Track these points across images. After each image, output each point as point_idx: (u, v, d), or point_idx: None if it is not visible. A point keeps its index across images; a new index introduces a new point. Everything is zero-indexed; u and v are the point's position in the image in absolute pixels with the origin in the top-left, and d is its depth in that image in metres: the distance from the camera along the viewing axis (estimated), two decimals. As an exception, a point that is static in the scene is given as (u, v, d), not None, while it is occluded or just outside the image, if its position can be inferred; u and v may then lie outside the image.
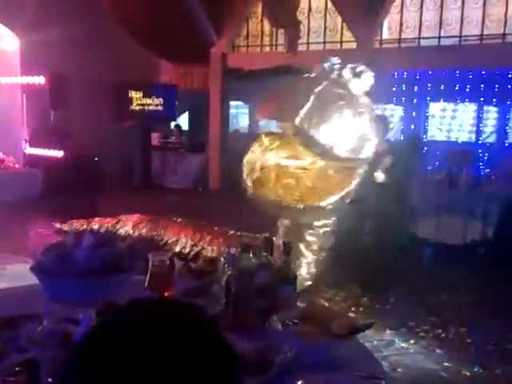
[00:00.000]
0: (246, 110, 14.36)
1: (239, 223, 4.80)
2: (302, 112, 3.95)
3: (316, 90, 4.06)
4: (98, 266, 1.69)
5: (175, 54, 11.08)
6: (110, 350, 0.68)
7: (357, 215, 4.99)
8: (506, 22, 9.03)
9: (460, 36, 9.16)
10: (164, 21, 9.86)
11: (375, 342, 3.78)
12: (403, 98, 9.96)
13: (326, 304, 3.98)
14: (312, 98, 4.01)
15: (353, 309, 4.42)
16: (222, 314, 1.75)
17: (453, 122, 9.83)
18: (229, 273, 1.81)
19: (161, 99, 10.76)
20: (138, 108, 10.50)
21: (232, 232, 4.40)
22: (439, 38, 9.41)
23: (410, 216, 6.17)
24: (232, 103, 12.27)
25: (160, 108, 10.83)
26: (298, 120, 3.98)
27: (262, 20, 10.78)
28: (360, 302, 4.59)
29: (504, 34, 9.02)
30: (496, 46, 8.86)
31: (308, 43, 10.34)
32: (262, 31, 10.98)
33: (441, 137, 9.92)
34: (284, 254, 1.94)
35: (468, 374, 3.50)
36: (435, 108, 10.21)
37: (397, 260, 5.19)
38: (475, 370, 3.55)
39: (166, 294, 1.81)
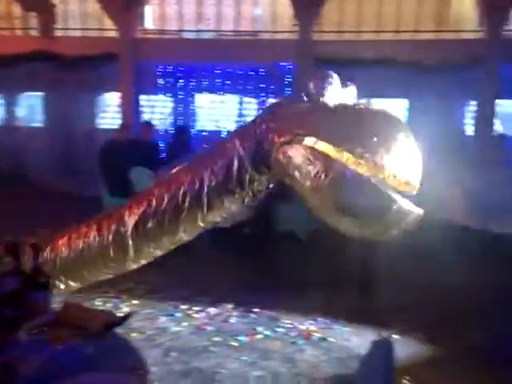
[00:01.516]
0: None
1: None
2: None
3: None
4: None
5: None
6: None
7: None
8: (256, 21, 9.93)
9: (218, 30, 9.74)
10: None
11: (149, 332, 3.86)
12: (171, 90, 10.15)
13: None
14: None
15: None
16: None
17: (219, 112, 10.39)
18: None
19: None
20: None
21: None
22: (199, 31, 9.86)
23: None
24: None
25: None
26: None
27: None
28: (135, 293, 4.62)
29: (255, 32, 9.92)
30: (248, 41, 9.67)
31: (66, 29, 9.81)
32: (12, 13, 10.02)
33: (209, 127, 10.41)
34: (33, 259, 1.84)
35: (236, 344, 3.82)
36: (202, 99, 10.62)
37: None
38: (240, 338, 3.89)
39: None
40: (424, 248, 4.93)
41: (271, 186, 3.12)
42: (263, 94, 10.18)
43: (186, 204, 3.06)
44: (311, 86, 3.28)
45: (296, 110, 3.22)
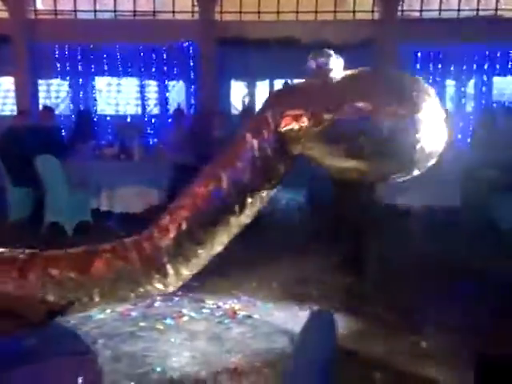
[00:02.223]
0: None
1: None
2: None
3: None
4: None
5: None
6: None
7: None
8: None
9: (115, 11, 9.42)
10: None
11: (73, 321, 3.76)
12: (69, 73, 9.69)
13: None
14: None
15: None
16: None
17: (119, 96, 10.10)
18: None
19: None
20: None
21: None
22: (95, 11, 9.48)
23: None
24: None
25: None
26: None
27: None
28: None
29: (154, 12, 9.72)
30: (148, 22, 9.46)
31: None
32: None
33: (110, 111, 10.10)
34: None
35: (162, 327, 3.85)
36: (101, 83, 10.27)
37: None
38: (166, 322, 3.92)
39: None
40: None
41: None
42: (165, 76, 10.04)
43: (218, 212, 2.99)
44: (313, 65, 3.37)
45: (304, 88, 3.24)
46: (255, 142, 3.20)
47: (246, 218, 3.22)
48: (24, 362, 1.55)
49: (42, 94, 9.54)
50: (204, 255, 3.22)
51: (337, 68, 3.38)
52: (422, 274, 4.86)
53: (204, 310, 4.18)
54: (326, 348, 1.78)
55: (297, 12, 9.67)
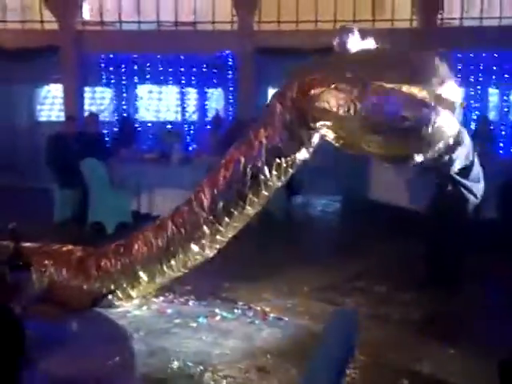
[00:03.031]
0: None
1: None
2: None
3: None
4: None
5: None
6: None
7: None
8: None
9: (158, 22, 9.75)
10: None
11: (111, 316, 3.97)
12: (112, 81, 10.07)
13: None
14: None
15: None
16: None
17: (160, 103, 10.41)
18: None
19: None
20: None
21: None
22: (139, 22, 9.83)
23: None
24: None
25: None
26: None
27: None
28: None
29: (194, 23, 10.01)
30: (188, 32, 9.76)
31: (5, 21, 9.56)
32: None
33: (151, 118, 10.42)
34: (14, 241, 1.96)
35: (195, 325, 4.01)
36: (143, 90, 10.60)
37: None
38: (200, 320, 4.09)
39: None
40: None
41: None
42: (204, 85, 10.30)
43: (249, 174, 3.37)
44: (335, 42, 3.54)
45: (320, 65, 3.46)
46: (279, 108, 3.50)
47: (276, 181, 3.47)
48: (66, 344, 1.72)
49: (88, 101, 9.95)
50: (238, 216, 3.51)
51: (357, 44, 3.62)
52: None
53: (236, 311, 4.32)
54: (347, 347, 1.86)
55: (335, 21, 9.76)
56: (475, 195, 4.61)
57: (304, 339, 3.80)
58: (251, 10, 9.79)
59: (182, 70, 9.91)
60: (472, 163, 4.55)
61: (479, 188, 4.64)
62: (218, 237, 3.59)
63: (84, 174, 6.64)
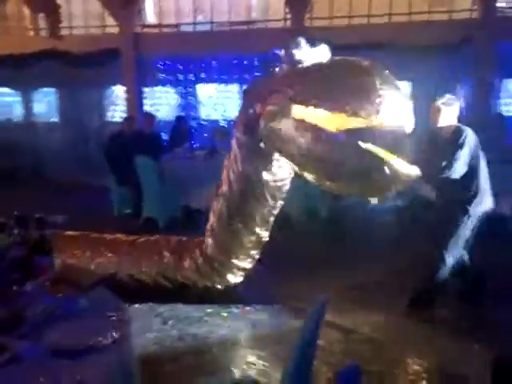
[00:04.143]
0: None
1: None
2: None
3: None
4: None
5: None
6: None
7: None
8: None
9: (212, 22, 10.05)
10: None
11: (150, 304, 4.27)
12: (173, 81, 10.46)
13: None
14: None
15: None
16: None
17: (216, 102, 10.71)
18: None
19: None
20: None
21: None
22: (195, 24, 10.18)
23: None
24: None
25: None
26: None
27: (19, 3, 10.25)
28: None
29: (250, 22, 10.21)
30: (244, 32, 9.97)
31: (71, 27, 10.22)
32: (22, 15, 10.44)
33: (206, 116, 10.74)
34: (38, 230, 2.24)
35: (226, 315, 4.20)
36: (201, 90, 10.91)
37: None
38: (231, 309, 4.27)
39: None
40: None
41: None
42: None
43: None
44: (282, 54, 3.50)
45: (271, 80, 3.46)
46: (238, 131, 3.61)
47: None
48: (74, 316, 1.97)
49: (147, 101, 10.43)
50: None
51: (308, 57, 3.46)
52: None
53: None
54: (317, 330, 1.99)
55: (389, 14, 9.64)
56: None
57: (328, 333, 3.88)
58: (303, 6, 9.87)
59: (236, 69, 10.15)
60: (475, 169, 3.98)
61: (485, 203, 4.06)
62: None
63: (138, 172, 7.03)
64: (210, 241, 4.22)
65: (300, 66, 3.35)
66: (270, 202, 3.94)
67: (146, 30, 10.10)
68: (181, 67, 10.16)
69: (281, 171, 3.85)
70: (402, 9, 9.65)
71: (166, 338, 3.76)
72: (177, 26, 10.23)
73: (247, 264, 4.28)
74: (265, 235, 4.20)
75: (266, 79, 3.81)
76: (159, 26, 10.18)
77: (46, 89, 10.84)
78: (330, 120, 3.01)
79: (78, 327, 1.90)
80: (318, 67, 3.28)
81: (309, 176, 3.24)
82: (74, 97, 10.54)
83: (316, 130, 3.02)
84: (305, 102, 3.02)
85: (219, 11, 10.15)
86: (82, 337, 1.82)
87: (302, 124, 3.14)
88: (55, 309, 1.91)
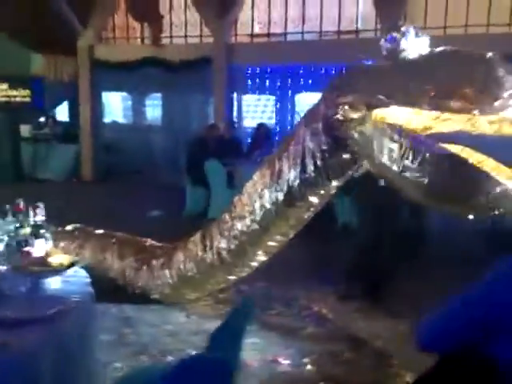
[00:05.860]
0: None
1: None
2: None
3: None
4: None
5: (43, 46, 11.18)
6: None
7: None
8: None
9: (302, 32, 10.19)
10: (29, 11, 10.04)
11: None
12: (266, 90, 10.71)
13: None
14: None
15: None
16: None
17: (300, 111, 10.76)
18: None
19: (28, 91, 10.91)
20: (3, 100, 10.65)
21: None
22: (285, 34, 10.39)
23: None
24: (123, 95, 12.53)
25: (28, 99, 10.97)
26: None
27: (127, 13, 11.22)
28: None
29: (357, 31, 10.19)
30: (332, 42, 9.99)
31: (171, 36, 10.98)
32: (128, 24, 11.43)
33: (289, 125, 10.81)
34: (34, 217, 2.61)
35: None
36: (303, 99, 10.94)
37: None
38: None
39: None
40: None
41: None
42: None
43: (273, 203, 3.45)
44: (382, 42, 2.80)
45: (364, 76, 2.92)
46: (307, 131, 3.15)
47: (301, 212, 3.36)
48: (47, 291, 2.28)
49: (244, 109, 10.79)
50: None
51: (413, 48, 2.72)
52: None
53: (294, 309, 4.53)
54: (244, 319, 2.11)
55: (466, 26, 9.15)
56: None
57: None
58: (397, 17, 9.64)
59: (322, 78, 10.15)
60: None
61: None
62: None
63: (207, 175, 7.44)
64: None
65: (402, 56, 2.82)
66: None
67: (238, 40, 10.49)
68: (266, 76, 10.38)
69: None
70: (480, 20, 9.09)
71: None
72: (269, 35, 10.53)
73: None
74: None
75: (359, 74, 3.09)
76: (251, 35, 10.55)
77: (147, 94, 11.71)
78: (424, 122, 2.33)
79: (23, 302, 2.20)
80: (428, 58, 2.68)
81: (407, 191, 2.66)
82: (173, 102, 11.27)
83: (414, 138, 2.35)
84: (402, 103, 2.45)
85: (309, 21, 10.26)
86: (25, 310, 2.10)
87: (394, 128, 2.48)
88: (32, 285, 2.25)
